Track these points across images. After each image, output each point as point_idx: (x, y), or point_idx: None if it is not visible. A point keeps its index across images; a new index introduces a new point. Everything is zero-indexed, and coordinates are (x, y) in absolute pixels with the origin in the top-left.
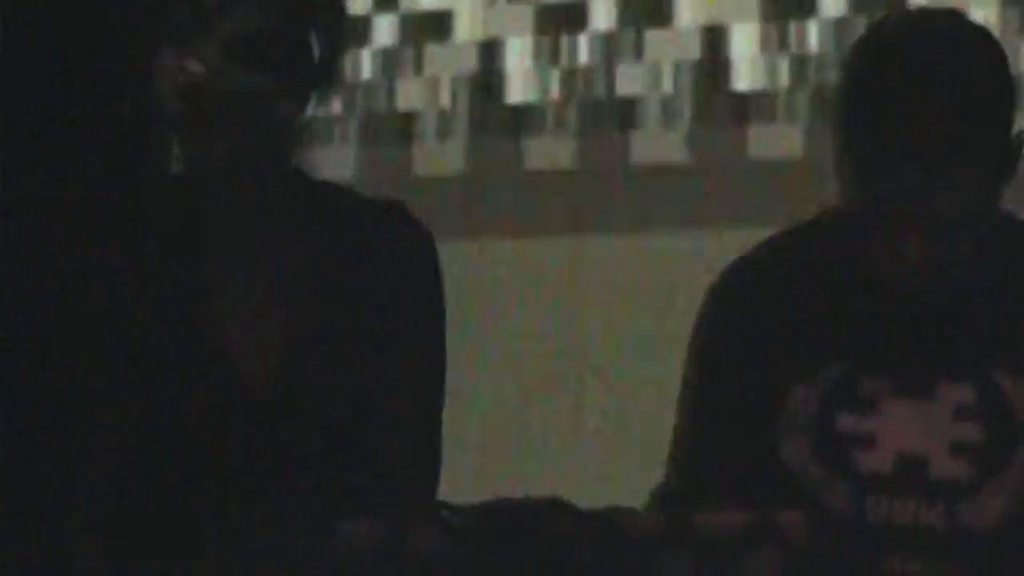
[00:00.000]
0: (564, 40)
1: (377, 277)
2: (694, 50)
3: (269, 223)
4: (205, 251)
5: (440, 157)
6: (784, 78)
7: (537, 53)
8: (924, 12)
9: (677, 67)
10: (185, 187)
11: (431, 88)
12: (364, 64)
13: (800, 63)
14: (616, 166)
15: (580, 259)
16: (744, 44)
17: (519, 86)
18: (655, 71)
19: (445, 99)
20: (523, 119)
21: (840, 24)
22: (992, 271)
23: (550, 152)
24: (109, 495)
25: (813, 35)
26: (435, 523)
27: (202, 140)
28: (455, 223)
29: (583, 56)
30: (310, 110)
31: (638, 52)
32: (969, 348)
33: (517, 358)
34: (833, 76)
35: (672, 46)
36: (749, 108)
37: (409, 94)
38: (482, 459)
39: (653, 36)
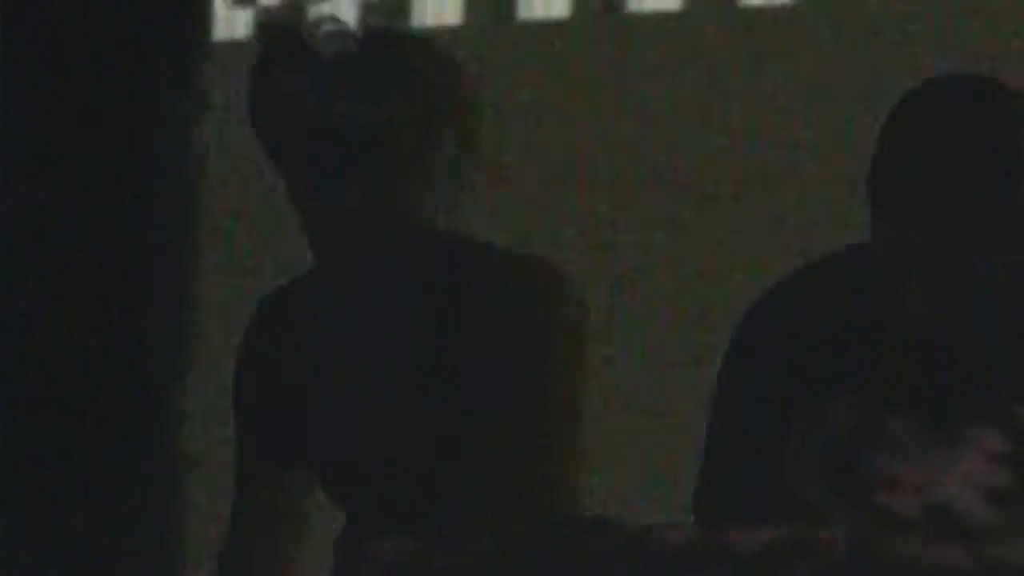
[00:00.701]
0: None
1: (506, 337)
2: None
3: (400, 290)
4: (334, 312)
5: None
6: None
7: None
8: (958, 80)
9: None
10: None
11: None
12: None
13: None
14: None
15: None
16: None
17: None
18: None
19: None
20: None
21: None
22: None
23: None
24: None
25: None
26: (466, 548)
27: (327, 237)
28: None
29: None
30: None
31: None
32: (997, 390)
33: None
34: None
35: None
36: None
37: None
38: None
39: None
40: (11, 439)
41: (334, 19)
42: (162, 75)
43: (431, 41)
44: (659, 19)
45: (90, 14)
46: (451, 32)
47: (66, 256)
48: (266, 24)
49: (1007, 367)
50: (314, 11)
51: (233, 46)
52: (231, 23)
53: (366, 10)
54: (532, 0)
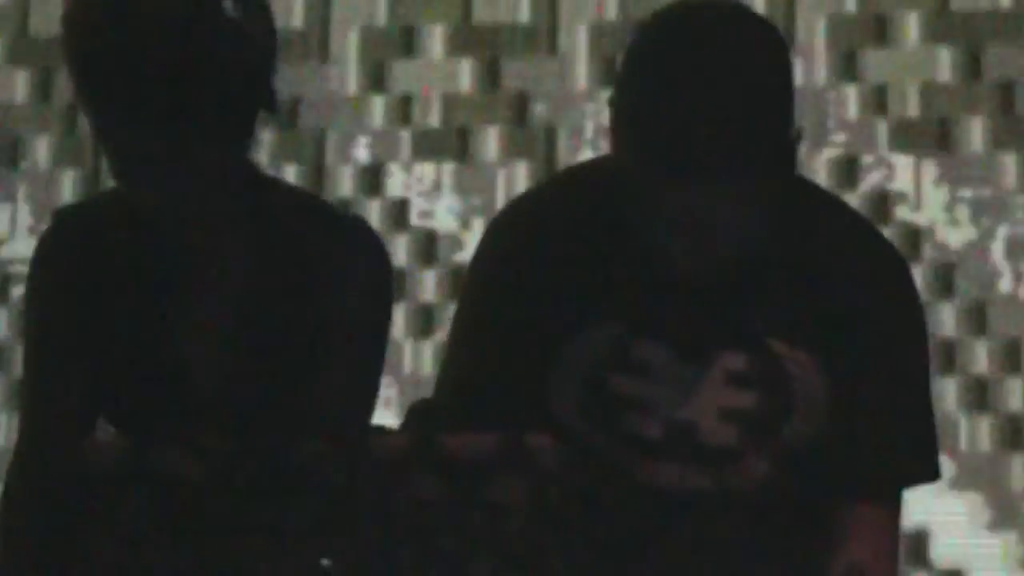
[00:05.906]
0: None
1: (326, 284)
2: None
3: (221, 227)
4: (158, 254)
5: None
6: None
7: None
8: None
9: None
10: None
11: None
12: None
13: None
14: None
15: None
16: None
17: None
18: None
19: None
20: None
21: None
22: (778, 241)
23: None
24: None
25: None
26: (181, 444)
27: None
28: None
29: None
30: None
31: None
32: (747, 316)
33: None
34: None
35: None
36: None
37: None
38: None
39: None
40: None
41: None
42: None
43: None
44: None
45: None
46: None
47: None
48: None
49: (763, 294)
50: None
51: None
52: None
53: None
54: None
